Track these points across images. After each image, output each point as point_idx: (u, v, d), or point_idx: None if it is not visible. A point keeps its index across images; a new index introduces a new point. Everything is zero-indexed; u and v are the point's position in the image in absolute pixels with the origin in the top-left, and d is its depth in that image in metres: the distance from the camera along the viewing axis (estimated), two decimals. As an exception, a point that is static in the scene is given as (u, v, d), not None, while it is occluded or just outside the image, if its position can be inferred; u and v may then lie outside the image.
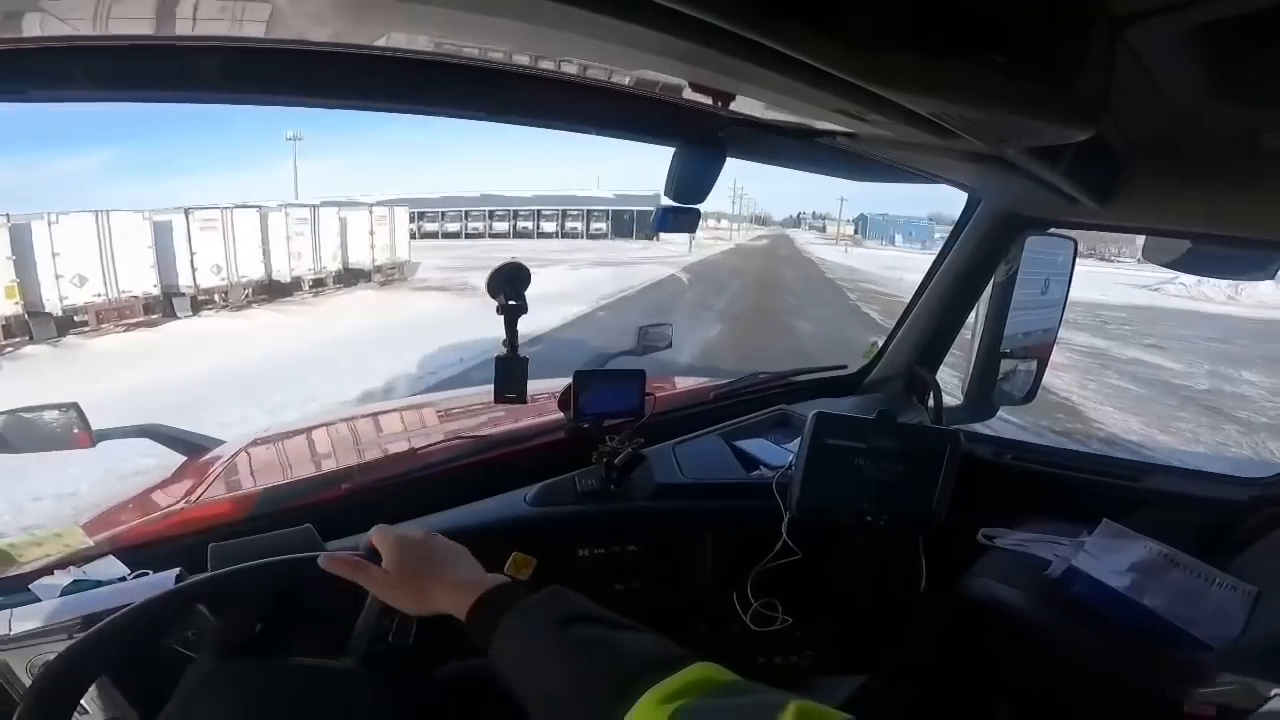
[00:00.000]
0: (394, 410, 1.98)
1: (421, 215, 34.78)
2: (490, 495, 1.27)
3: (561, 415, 1.38)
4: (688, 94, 1.00)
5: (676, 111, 1.08)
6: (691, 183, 1.11)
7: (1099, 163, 1.11)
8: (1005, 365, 1.80)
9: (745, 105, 1.01)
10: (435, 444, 1.37)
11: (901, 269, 23.73)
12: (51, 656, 0.77)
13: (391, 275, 18.30)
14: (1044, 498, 1.68)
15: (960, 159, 1.09)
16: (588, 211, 40.86)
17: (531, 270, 1.18)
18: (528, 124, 1.13)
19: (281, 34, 0.76)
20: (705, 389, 1.72)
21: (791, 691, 0.55)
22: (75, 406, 1.36)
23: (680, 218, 1.18)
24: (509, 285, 1.17)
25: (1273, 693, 1.06)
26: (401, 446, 1.42)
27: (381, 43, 0.80)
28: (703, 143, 1.07)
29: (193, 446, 1.68)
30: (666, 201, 1.14)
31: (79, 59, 0.70)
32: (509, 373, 1.19)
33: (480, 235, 38.38)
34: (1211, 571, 1.45)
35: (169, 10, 0.68)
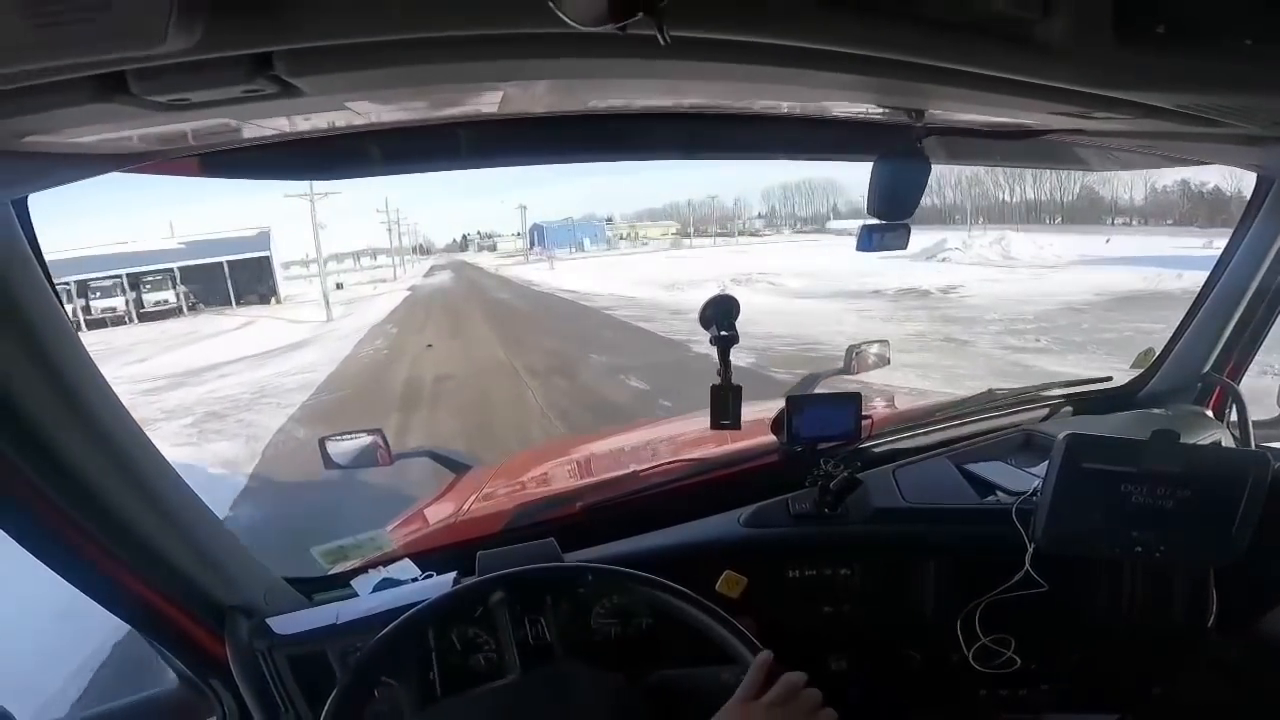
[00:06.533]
0: (621, 436, 2.15)
1: None
2: (706, 515, 1.32)
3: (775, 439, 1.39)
4: (883, 110, 0.98)
5: (873, 127, 1.06)
6: (895, 197, 1.06)
7: None
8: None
9: (946, 113, 0.96)
10: (656, 466, 1.47)
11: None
12: (358, 648, 0.99)
13: None
14: None
15: (1228, 140, 0.92)
16: (136, 277, 24.50)
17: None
18: (746, 159, 1.24)
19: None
20: (931, 409, 1.60)
21: None
22: (379, 432, 1.63)
23: (887, 235, 1.12)
24: (722, 317, 1.21)
25: None
26: (627, 470, 1.54)
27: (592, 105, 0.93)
28: (903, 154, 1.02)
29: (460, 465, 2.01)
30: (870, 220, 1.10)
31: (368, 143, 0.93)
32: (724, 401, 1.22)
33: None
34: None
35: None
